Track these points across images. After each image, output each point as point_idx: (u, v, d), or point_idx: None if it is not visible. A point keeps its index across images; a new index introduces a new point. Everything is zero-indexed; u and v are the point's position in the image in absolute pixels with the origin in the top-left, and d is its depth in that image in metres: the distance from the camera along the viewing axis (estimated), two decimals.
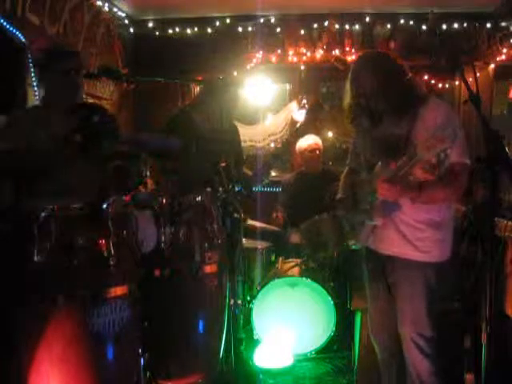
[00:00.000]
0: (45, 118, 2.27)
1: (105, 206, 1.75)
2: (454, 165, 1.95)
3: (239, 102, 3.19)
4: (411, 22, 4.85)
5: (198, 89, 3.48)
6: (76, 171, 2.21)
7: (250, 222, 3.88)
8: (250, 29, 4.97)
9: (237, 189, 2.62)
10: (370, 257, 2.32)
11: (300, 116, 4.97)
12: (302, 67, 5.07)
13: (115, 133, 2.39)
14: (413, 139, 2.02)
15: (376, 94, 2.12)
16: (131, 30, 4.97)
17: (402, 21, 4.85)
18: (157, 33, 5.02)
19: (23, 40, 3.14)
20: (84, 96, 4.01)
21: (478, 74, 1.75)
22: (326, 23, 4.91)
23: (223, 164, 2.58)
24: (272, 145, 5.18)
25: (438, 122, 1.99)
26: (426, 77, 4.98)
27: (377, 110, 2.16)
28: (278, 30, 4.97)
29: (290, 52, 5.00)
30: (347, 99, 2.27)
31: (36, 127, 2.20)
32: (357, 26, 4.94)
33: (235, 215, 2.59)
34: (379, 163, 2.17)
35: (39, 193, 2.01)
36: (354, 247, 2.39)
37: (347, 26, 4.94)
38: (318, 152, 4.44)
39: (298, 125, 5.09)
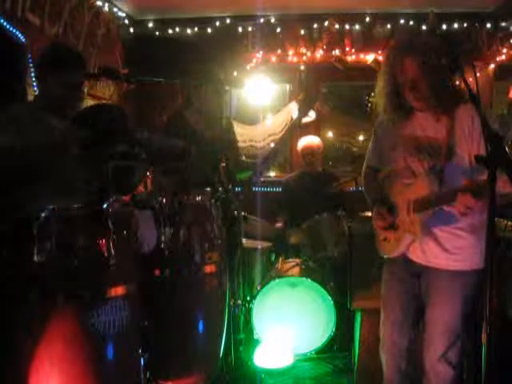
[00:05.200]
0: (42, 120, 2.23)
1: (105, 205, 1.75)
2: None
3: (230, 99, 3.18)
4: (411, 22, 4.85)
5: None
6: (76, 171, 2.20)
7: (252, 217, 3.88)
8: (249, 29, 4.97)
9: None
10: (404, 266, 2.20)
11: (306, 118, 4.97)
12: (302, 67, 5.07)
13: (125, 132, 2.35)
14: (453, 144, 2.00)
15: (419, 85, 1.99)
16: (131, 29, 4.97)
17: (402, 21, 4.85)
18: (157, 33, 5.03)
19: (23, 40, 3.14)
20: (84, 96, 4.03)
21: (478, 74, 1.74)
22: (326, 23, 4.92)
23: (223, 164, 2.58)
24: (272, 145, 5.18)
25: (476, 124, 1.95)
26: None
27: (416, 102, 2.04)
28: (278, 30, 4.97)
29: (290, 52, 5.01)
30: (381, 88, 2.13)
31: (34, 127, 2.18)
32: (357, 26, 4.94)
33: (235, 215, 2.59)
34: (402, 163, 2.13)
35: (38, 193, 2.01)
36: (385, 257, 2.28)
37: (347, 26, 4.94)
38: (318, 153, 4.45)
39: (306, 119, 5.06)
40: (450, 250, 2.07)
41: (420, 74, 1.98)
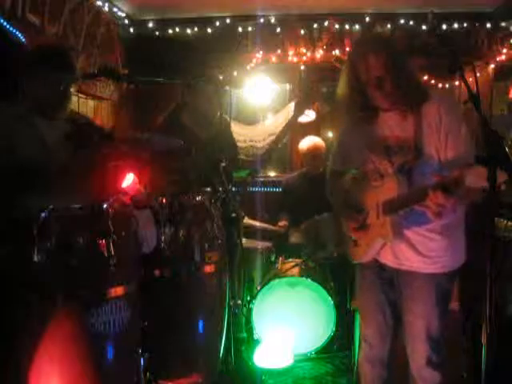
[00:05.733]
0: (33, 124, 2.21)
1: (105, 206, 1.75)
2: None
3: (225, 98, 3.17)
4: (411, 22, 4.84)
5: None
6: (74, 171, 2.20)
7: (249, 221, 3.88)
8: (249, 29, 4.97)
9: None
10: (376, 271, 2.15)
11: (306, 118, 4.97)
12: (302, 67, 5.07)
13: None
14: (421, 142, 1.96)
15: (384, 83, 1.95)
16: (131, 29, 4.97)
17: (401, 21, 4.85)
18: (157, 33, 5.03)
19: (23, 40, 3.14)
20: (84, 96, 4.04)
21: (478, 74, 1.74)
22: (326, 23, 4.91)
23: (223, 164, 2.58)
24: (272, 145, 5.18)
25: (445, 120, 1.94)
26: (425, 77, 4.98)
27: (382, 100, 2.00)
28: (278, 30, 4.97)
29: (290, 52, 5.00)
30: (344, 88, 2.08)
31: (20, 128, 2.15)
32: (357, 26, 4.94)
33: (235, 215, 2.59)
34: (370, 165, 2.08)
35: (38, 192, 2.01)
36: (357, 262, 2.22)
37: (347, 26, 4.94)
38: (319, 153, 4.45)
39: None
40: (423, 252, 2.01)
41: (385, 72, 1.94)
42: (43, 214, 1.63)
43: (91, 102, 4.23)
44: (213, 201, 2.30)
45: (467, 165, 1.68)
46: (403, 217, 1.97)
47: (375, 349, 2.19)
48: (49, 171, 2.09)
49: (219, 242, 2.26)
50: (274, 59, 5.02)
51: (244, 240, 3.36)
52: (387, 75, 1.94)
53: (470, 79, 1.73)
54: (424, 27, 4.79)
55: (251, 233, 3.85)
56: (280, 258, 3.78)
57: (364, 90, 2.02)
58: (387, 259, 2.09)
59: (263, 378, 3.08)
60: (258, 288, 3.42)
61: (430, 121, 1.97)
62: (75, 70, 2.34)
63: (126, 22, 4.88)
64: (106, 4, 4.36)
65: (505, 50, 4.78)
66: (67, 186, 2.04)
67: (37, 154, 2.13)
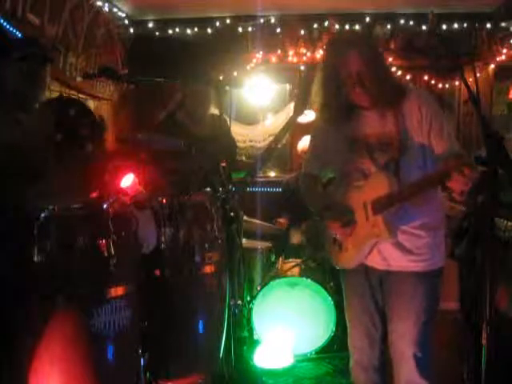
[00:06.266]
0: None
1: (105, 206, 1.75)
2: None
3: (230, 99, 3.16)
4: (411, 22, 4.86)
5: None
6: (67, 171, 2.19)
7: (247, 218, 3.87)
8: (250, 29, 4.98)
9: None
10: (364, 276, 2.07)
11: (306, 118, 4.97)
12: (302, 67, 5.08)
13: (97, 130, 2.29)
14: (404, 138, 1.94)
15: (364, 79, 1.92)
16: (131, 30, 4.97)
17: (401, 21, 4.86)
18: (157, 33, 5.03)
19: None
20: (84, 96, 4.04)
21: (478, 74, 1.74)
22: (326, 23, 4.93)
23: (223, 164, 2.58)
24: (272, 145, 5.18)
25: (425, 114, 1.93)
26: (426, 77, 4.99)
27: (362, 97, 1.97)
28: (278, 30, 4.98)
29: (290, 52, 5.01)
30: (320, 89, 2.08)
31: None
32: (357, 26, 4.95)
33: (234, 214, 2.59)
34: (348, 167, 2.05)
35: (36, 193, 2.00)
36: (344, 268, 2.15)
37: (347, 26, 4.94)
38: None
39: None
40: (412, 250, 1.98)
41: (364, 68, 1.92)
42: (43, 214, 1.63)
43: (91, 102, 4.23)
44: (213, 201, 2.30)
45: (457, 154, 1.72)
46: (394, 215, 1.94)
47: (365, 354, 2.16)
48: (45, 169, 2.08)
49: (219, 242, 2.26)
50: (273, 59, 5.03)
51: (244, 240, 3.36)
52: (367, 71, 1.92)
53: (470, 79, 1.74)
54: (424, 27, 4.80)
55: (251, 233, 3.84)
56: (280, 258, 3.78)
57: (341, 89, 1.99)
58: (375, 262, 2.04)
59: (263, 378, 3.08)
60: (258, 288, 3.42)
61: (410, 116, 1.96)
62: (45, 60, 2.29)
63: (126, 22, 4.88)
64: (106, 4, 4.37)
65: (505, 50, 4.79)
66: (66, 186, 2.04)
67: (30, 152, 2.11)
